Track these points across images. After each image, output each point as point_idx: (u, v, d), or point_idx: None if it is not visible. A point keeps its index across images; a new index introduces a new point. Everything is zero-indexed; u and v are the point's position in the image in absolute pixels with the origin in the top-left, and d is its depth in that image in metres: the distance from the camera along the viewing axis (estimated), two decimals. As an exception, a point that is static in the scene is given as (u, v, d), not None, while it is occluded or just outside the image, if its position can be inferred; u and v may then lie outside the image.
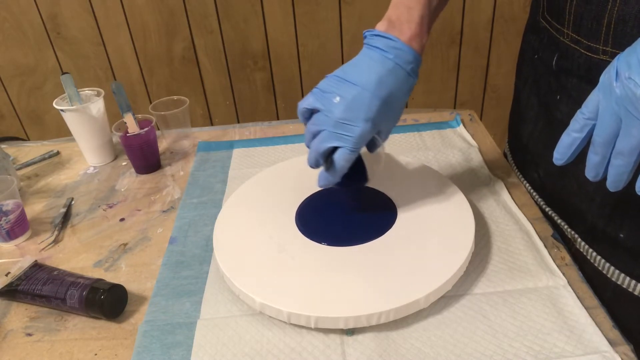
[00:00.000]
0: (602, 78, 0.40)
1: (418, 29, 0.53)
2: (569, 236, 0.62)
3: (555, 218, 0.64)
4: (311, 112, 0.54)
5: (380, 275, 0.54)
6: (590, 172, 0.42)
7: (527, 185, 0.70)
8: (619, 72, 0.38)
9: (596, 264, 0.57)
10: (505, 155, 0.78)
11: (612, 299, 0.54)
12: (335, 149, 0.53)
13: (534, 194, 0.69)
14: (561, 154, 0.43)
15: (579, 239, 0.60)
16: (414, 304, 0.51)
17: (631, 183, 0.40)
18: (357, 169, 0.59)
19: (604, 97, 0.39)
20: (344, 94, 0.51)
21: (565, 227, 0.62)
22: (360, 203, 0.65)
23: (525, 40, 0.68)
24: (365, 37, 0.54)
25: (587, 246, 0.58)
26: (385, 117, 0.53)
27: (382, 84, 0.51)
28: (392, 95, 0.52)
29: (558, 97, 0.58)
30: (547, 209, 0.66)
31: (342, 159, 0.53)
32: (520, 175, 0.72)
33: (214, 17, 1.44)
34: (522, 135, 0.69)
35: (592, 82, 0.43)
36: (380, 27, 0.53)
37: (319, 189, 0.67)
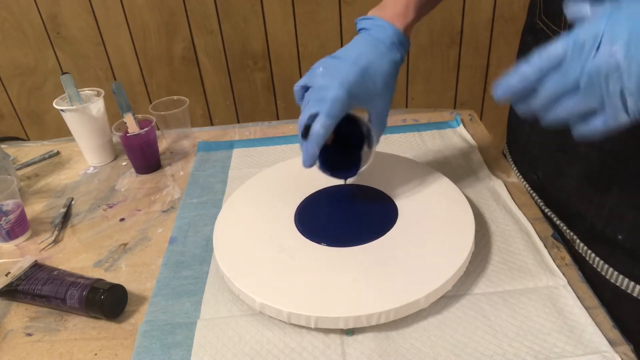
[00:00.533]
0: (581, 34, 0.36)
1: (402, 9, 0.57)
2: (568, 237, 0.62)
3: (555, 219, 0.64)
4: (304, 92, 0.56)
5: (380, 275, 0.54)
6: (521, 109, 0.40)
7: (527, 185, 0.70)
8: (602, 40, 0.35)
9: (595, 265, 0.57)
10: (504, 156, 0.78)
11: (612, 299, 0.54)
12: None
13: (534, 194, 0.69)
14: (502, 91, 0.40)
15: (578, 240, 0.60)
16: (414, 304, 0.51)
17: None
18: (351, 158, 0.60)
19: (574, 54, 0.36)
20: (328, 65, 0.55)
21: (565, 228, 0.62)
22: (360, 203, 0.65)
23: (523, 41, 0.68)
24: (356, 23, 0.59)
25: (585, 247, 0.58)
26: (364, 88, 0.54)
27: (361, 55, 0.55)
28: (371, 65, 0.54)
29: None
30: (546, 210, 0.66)
31: (318, 124, 0.52)
32: (520, 176, 0.72)
33: (214, 17, 1.44)
34: (520, 136, 0.69)
35: None
36: (370, 12, 0.59)
37: (319, 188, 0.67)
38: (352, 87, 0.53)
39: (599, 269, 0.57)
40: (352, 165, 0.61)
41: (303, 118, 0.54)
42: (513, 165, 0.74)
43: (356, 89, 0.53)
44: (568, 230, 0.61)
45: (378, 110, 0.57)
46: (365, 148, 0.60)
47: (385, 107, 0.57)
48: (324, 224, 0.62)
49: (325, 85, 0.53)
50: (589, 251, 0.58)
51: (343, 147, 0.60)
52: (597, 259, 0.57)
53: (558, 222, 0.63)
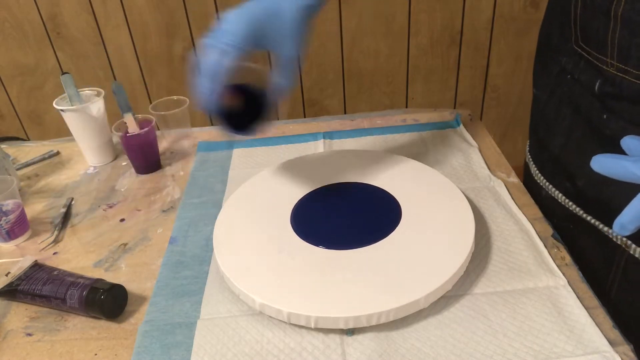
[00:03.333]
0: None
1: None
2: (619, 242, 0.59)
3: (600, 226, 0.61)
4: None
5: (380, 275, 0.54)
6: None
7: (560, 194, 0.66)
8: None
9: None
10: (526, 165, 0.75)
11: None
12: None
13: (569, 203, 0.65)
14: (636, 223, 0.39)
15: (634, 245, 0.57)
16: (414, 304, 0.51)
17: None
18: (252, 113, 0.57)
19: None
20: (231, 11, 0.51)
21: (614, 233, 0.59)
22: (362, 203, 0.65)
23: (549, 58, 0.64)
24: None
25: None
26: (267, 25, 0.51)
27: None
28: (277, 4, 0.51)
29: (605, 117, 0.55)
30: (587, 217, 0.62)
31: (215, 55, 0.50)
32: (551, 186, 0.68)
33: (214, 17, 1.44)
34: (552, 147, 0.66)
35: None
36: None
37: (319, 187, 0.67)
38: (254, 22, 0.50)
39: None
40: (252, 119, 0.57)
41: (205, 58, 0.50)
42: (540, 175, 0.71)
43: (258, 24, 0.50)
44: (619, 236, 0.58)
45: (284, 53, 0.53)
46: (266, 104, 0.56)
47: (292, 52, 0.53)
48: (324, 225, 0.62)
49: (227, 19, 0.50)
50: None
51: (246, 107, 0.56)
52: None
53: (605, 229, 0.60)
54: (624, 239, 0.58)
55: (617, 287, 0.59)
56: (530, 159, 0.74)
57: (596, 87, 0.55)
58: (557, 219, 0.65)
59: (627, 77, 0.51)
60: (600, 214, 0.61)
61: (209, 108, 0.52)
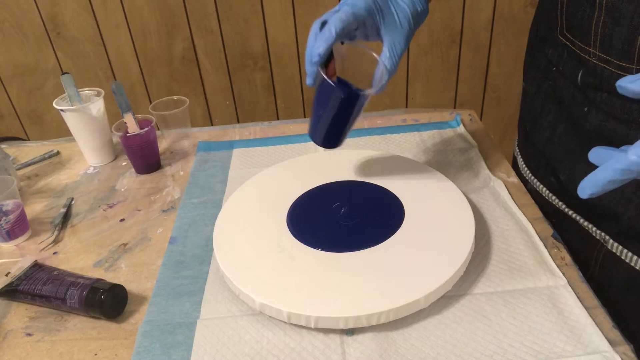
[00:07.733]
0: None
1: None
2: (598, 237, 0.59)
3: (580, 220, 0.62)
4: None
5: (380, 276, 0.54)
6: (595, 189, 0.39)
7: (544, 188, 0.68)
8: None
9: (632, 264, 0.56)
10: (514, 158, 0.76)
11: None
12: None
13: (552, 197, 0.66)
14: (593, 189, 0.39)
15: (611, 240, 0.58)
16: (414, 304, 0.51)
17: None
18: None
19: None
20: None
21: (593, 228, 0.60)
22: (362, 203, 0.65)
23: (537, 49, 0.65)
24: None
25: (621, 247, 0.57)
26: (375, 13, 0.54)
27: None
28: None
29: (586, 109, 0.56)
30: (569, 212, 0.63)
31: (332, 21, 0.52)
32: (535, 180, 0.70)
33: (214, 17, 1.44)
34: (537, 141, 0.67)
35: (626, 97, 0.40)
36: None
37: (319, 187, 0.67)
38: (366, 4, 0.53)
39: (637, 267, 0.55)
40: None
41: (315, 25, 0.54)
42: (526, 168, 0.72)
43: (367, 9, 0.53)
44: (598, 231, 0.59)
45: (391, 41, 0.55)
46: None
47: (399, 42, 0.55)
48: (326, 227, 0.62)
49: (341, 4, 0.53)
50: (625, 250, 0.56)
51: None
52: (635, 257, 0.55)
53: (585, 223, 0.61)
54: (603, 234, 0.58)
55: (594, 282, 0.60)
56: (519, 153, 0.74)
57: (579, 78, 0.55)
58: (542, 213, 0.66)
59: (608, 67, 0.51)
60: (580, 209, 0.62)
61: (318, 59, 0.53)
